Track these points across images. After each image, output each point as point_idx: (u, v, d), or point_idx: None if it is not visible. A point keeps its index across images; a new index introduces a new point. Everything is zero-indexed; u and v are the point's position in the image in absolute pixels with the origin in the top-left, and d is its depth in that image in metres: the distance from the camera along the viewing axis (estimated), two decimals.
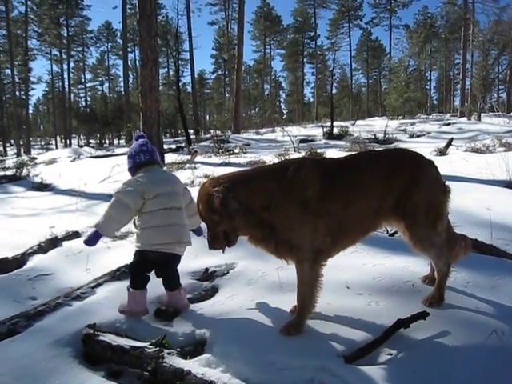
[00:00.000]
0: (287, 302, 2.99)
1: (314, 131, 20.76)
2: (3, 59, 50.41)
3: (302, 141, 15.38)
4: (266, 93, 67.69)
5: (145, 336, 2.84)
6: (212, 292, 3.40)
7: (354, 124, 23.53)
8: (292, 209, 2.61)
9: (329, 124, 19.11)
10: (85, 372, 2.65)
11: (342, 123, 21.65)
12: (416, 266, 3.59)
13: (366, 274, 3.46)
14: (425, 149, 12.56)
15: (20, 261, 4.62)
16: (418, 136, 17.44)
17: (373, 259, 3.82)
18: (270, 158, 9.97)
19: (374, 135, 15.64)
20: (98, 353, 2.77)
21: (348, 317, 2.81)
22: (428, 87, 64.66)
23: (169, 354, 2.55)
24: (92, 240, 3.15)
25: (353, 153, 3.17)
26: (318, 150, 11.44)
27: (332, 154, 11.49)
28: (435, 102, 71.45)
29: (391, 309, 2.88)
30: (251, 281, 3.43)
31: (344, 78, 68.83)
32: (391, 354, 2.47)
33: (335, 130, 17.92)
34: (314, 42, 65.35)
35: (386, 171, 2.85)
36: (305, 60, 66.18)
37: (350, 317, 2.80)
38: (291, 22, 64.95)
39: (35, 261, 4.59)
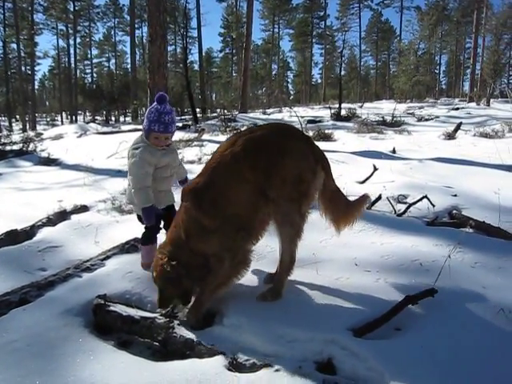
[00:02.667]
0: (296, 276, 3.01)
1: (322, 112, 20.64)
2: (9, 33, 50.10)
3: (309, 121, 15.30)
4: (273, 73, 67.15)
5: (153, 308, 2.87)
6: None
7: (361, 106, 23.36)
8: (206, 238, 2.77)
9: (336, 105, 18.97)
10: (95, 341, 2.70)
11: (350, 105, 21.51)
12: (423, 246, 3.60)
13: (374, 253, 3.47)
14: (433, 132, 12.53)
15: (29, 233, 4.65)
16: (427, 120, 17.32)
17: (381, 238, 3.84)
18: None
19: (382, 118, 15.54)
20: (109, 323, 2.81)
21: (356, 292, 2.83)
22: (437, 71, 64.03)
23: (179, 324, 2.59)
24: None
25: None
26: (326, 131, 11.39)
27: (340, 134, 11.49)
28: (444, 87, 70.80)
29: (399, 286, 2.90)
30: (260, 256, 3.45)
31: (353, 59, 68.14)
32: (399, 329, 2.50)
33: (343, 112, 17.80)
34: (323, 23, 64.53)
35: (251, 150, 2.76)
36: (313, 40, 65.43)
37: (359, 292, 2.83)
38: (301, 1, 64.07)
39: (44, 233, 4.61)
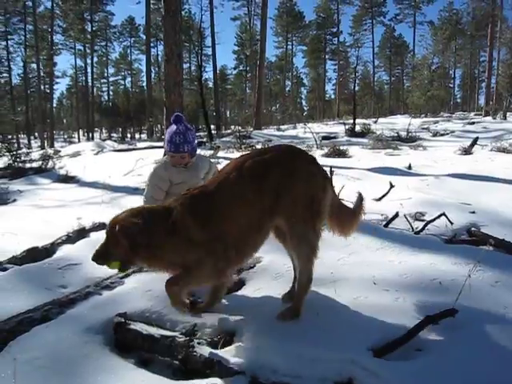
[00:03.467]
0: (314, 296, 3.01)
1: (336, 128, 20.64)
2: (29, 54, 51.35)
3: (324, 138, 15.31)
4: (287, 89, 67.52)
5: (173, 326, 2.89)
6: (239, 285, 3.43)
7: (376, 122, 23.33)
8: (185, 249, 2.72)
9: (350, 121, 18.98)
10: (116, 359, 2.73)
11: (364, 121, 21.44)
12: (442, 264, 3.58)
13: (392, 271, 3.46)
14: (449, 147, 12.44)
15: (49, 250, 4.73)
16: (442, 135, 17.21)
17: (399, 256, 3.82)
18: None
19: (397, 133, 15.49)
20: (129, 341, 2.84)
21: (375, 312, 2.81)
22: (452, 85, 63.74)
23: (199, 343, 2.61)
24: None
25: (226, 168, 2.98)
26: (341, 147, 11.39)
27: (355, 151, 11.48)
28: (459, 101, 70.42)
29: (419, 305, 2.88)
30: (278, 274, 3.46)
31: (366, 75, 68.22)
32: (420, 350, 2.48)
33: (357, 128, 17.80)
34: (336, 39, 64.80)
35: (257, 171, 2.78)
36: (327, 57, 65.61)
37: (378, 312, 2.81)
38: (314, 18, 64.56)
39: (64, 250, 4.69)
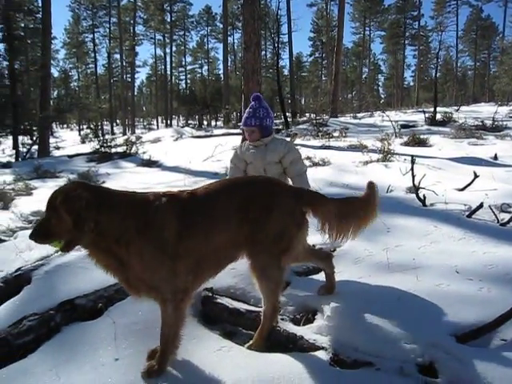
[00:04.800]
0: (395, 281, 3.04)
1: (415, 117, 19.94)
2: (113, 45, 54.08)
3: (402, 126, 14.89)
4: (364, 76, 65.97)
5: (257, 302, 3.04)
6: (318, 268, 3.52)
7: (458, 110, 22.25)
8: (148, 250, 2.44)
9: (431, 109, 18.26)
10: (203, 329, 2.94)
11: (445, 109, 20.51)
12: None
13: (476, 261, 3.38)
14: None
15: None
16: None
17: (483, 247, 3.72)
18: (371, 142, 9.83)
19: (482, 122, 14.72)
20: (215, 314, 3.04)
21: (458, 300, 2.79)
22: None
23: (282, 319, 2.75)
24: None
25: (211, 182, 2.92)
26: (421, 136, 11.06)
27: (435, 140, 11.10)
28: None
29: (505, 296, 2.82)
30: (358, 259, 3.51)
31: (448, 60, 64.94)
32: (505, 340, 2.45)
33: (438, 116, 17.10)
34: (416, 23, 62.16)
35: (242, 201, 2.66)
36: (406, 42, 63.17)
37: (460, 300, 2.79)
38: (393, 1, 62.27)
39: None
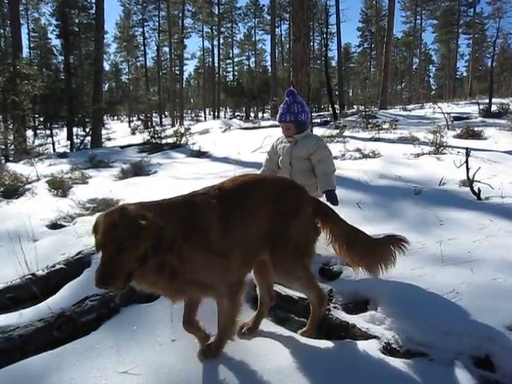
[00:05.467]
0: (449, 273, 3.01)
1: (468, 108, 19.27)
2: (162, 38, 55.14)
3: (455, 118, 14.43)
4: (414, 67, 64.17)
5: None
6: None
7: None
8: (198, 253, 2.36)
9: (485, 101, 17.60)
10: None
11: (502, 100, 19.70)
12: None
13: None
14: None
15: None
16: None
17: None
18: (422, 134, 9.60)
19: None
20: None
21: None
22: None
23: (334, 307, 2.78)
24: (336, 199, 3.75)
25: (239, 178, 2.77)
26: (475, 128, 10.69)
27: (491, 132, 10.70)
28: None
29: None
30: (410, 251, 3.46)
31: (506, 49, 62.10)
32: None
33: (493, 108, 16.45)
34: (472, 10, 59.54)
35: (272, 198, 2.62)
36: (460, 30, 60.75)
37: None
38: None
39: None
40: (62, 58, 28.09)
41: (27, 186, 7.74)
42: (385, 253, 2.79)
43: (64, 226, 5.39)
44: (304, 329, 2.74)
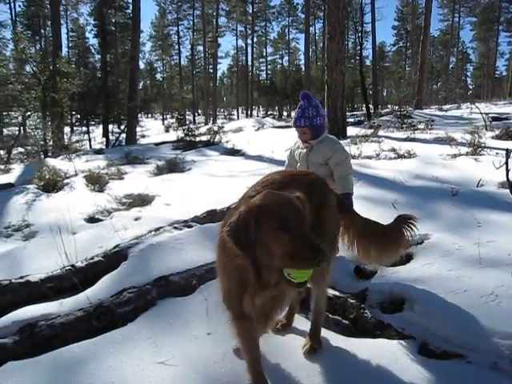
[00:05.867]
0: (488, 276, 2.94)
1: (507, 109, 18.74)
2: (197, 37, 55.64)
3: (494, 118, 14.07)
4: (450, 66, 62.74)
5: (344, 288, 3.08)
6: (406, 259, 3.48)
7: None
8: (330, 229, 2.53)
9: None
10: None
11: None
12: None
13: None
14: None
15: (226, 213, 5.25)
16: None
17: None
18: (459, 135, 9.40)
19: None
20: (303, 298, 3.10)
21: None
22: None
23: (370, 306, 2.76)
24: (352, 204, 3.65)
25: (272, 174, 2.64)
26: None
27: None
28: None
29: None
30: (447, 252, 3.43)
31: None
32: None
33: None
34: None
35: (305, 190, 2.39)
36: (500, 28, 58.93)
37: None
38: None
39: None
40: (99, 56, 28.76)
41: (66, 181, 7.96)
42: (397, 236, 2.74)
43: (101, 220, 5.54)
44: (307, 346, 2.56)
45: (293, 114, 43.61)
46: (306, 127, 3.80)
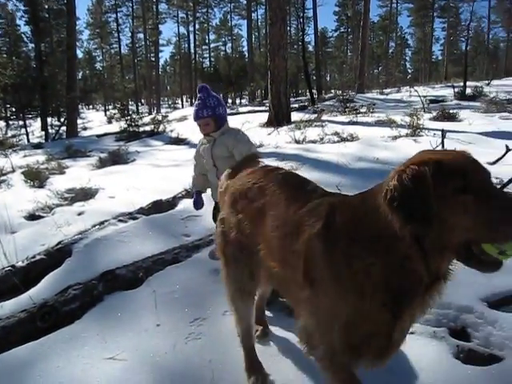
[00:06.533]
0: None
1: (444, 91, 19.46)
2: (137, 24, 54.18)
3: (431, 101, 14.61)
4: (390, 51, 64.46)
5: None
6: None
7: (488, 84, 21.62)
8: None
9: (460, 84, 17.80)
10: None
11: (476, 83, 19.94)
12: None
13: None
14: None
15: (171, 203, 5.22)
16: None
17: None
18: (399, 117, 9.72)
19: None
20: None
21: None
22: None
23: None
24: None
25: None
26: (450, 111, 10.85)
27: (465, 114, 10.88)
28: None
29: None
30: None
31: (479, 32, 62.80)
32: None
33: (468, 91, 16.68)
34: None
35: None
36: (435, 14, 61.09)
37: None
38: None
39: (184, 204, 5.13)
40: (33, 45, 27.40)
41: (2, 178, 7.63)
42: None
43: (42, 217, 5.34)
44: None
45: (237, 101, 43.59)
46: (210, 117, 3.53)
